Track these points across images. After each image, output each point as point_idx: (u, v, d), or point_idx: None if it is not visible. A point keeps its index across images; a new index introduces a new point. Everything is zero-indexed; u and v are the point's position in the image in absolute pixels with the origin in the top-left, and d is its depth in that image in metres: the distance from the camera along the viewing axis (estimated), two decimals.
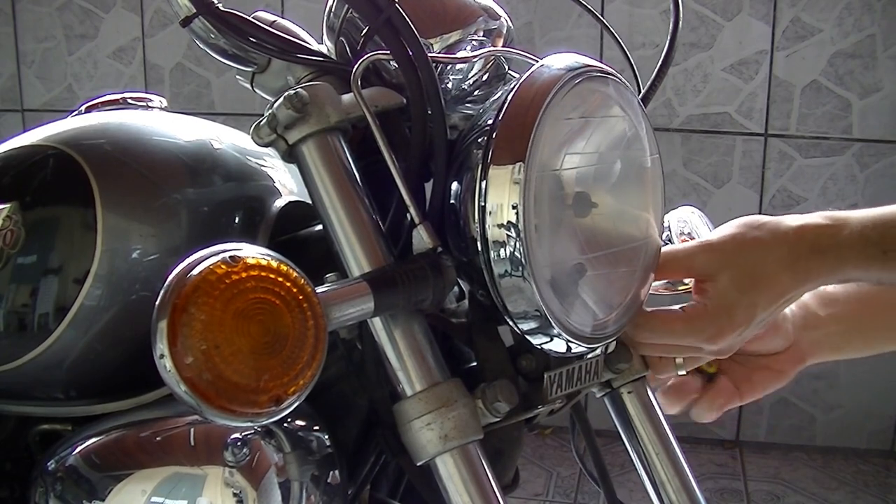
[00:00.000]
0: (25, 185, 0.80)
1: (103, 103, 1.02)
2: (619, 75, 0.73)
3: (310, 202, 0.72)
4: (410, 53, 0.70)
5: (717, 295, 0.76)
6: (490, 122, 0.69)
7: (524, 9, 2.76)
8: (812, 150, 2.76)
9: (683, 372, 0.86)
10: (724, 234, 0.79)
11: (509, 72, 0.83)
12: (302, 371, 0.58)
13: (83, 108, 1.01)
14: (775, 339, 0.87)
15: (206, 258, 0.57)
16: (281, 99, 0.69)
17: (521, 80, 0.70)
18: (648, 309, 0.79)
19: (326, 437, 0.76)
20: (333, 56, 0.79)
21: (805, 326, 0.89)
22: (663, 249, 0.79)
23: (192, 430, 0.74)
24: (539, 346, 0.72)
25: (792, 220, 0.77)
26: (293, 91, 0.69)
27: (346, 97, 0.71)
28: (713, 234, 0.80)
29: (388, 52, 0.71)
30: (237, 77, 0.79)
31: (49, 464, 0.79)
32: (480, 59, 0.80)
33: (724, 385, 0.89)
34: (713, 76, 2.76)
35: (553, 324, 0.68)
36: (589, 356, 0.79)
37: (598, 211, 0.71)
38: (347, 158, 0.71)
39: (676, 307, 0.79)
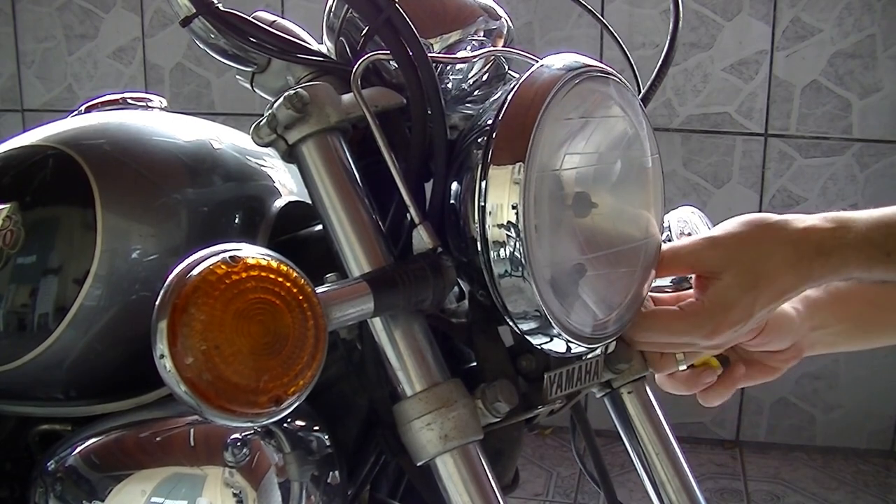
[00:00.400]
0: (25, 185, 0.80)
1: (103, 103, 1.01)
2: (619, 75, 0.73)
3: (310, 202, 0.72)
4: (410, 53, 0.70)
5: (717, 292, 0.76)
6: (490, 122, 0.69)
7: (524, 9, 2.76)
8: (812, 150, 2.76)
9: (684, 367, 0.86)
10: (728, 230, 0.79)
11: (509, 72, 0.83)
12: (302, 371, 0.58)
13: (83, 108, 1.01)
14: (785, 338, 0.87)
15: (206, 258, 0.57)
16: (281, 99, 0.69)
17: (521, 80, 0.70)
18: (646, 308, 0.79)
19: (326, 437, 0.76)
20: (333, 56, 0.79)
21: (813, 327, 0.89)
22: (666, 245, 0.79)
23: (191, 430, 0.74)
24: (539, 347, 0.72)
25: (798, 221, 0.77)
26: (293, 91, 0.69)
27: (346, 97, 0.71)
28: (717, 230, 0.80)
29: (388, 52, 0.71)
30: (237, 77, 0.79)
31: (49, 464, 0.79)
32: (480, 59, 0.80)
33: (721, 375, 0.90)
34: (713, 76, 2.76)
35: (553, 324, 0.68)
36: (589, 356, 0.79)
37: (598, 211, 0.71)
38: (347, 158, 0.71)
39: (674, 305, 0.79)
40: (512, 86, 0.70)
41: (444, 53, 0.78)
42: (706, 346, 0.80)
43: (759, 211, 2.64)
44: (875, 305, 0.89)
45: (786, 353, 0.90)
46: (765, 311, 0.77)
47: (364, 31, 0.75)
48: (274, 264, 0.58)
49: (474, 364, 0.75)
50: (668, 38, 0.91)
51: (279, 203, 0.88)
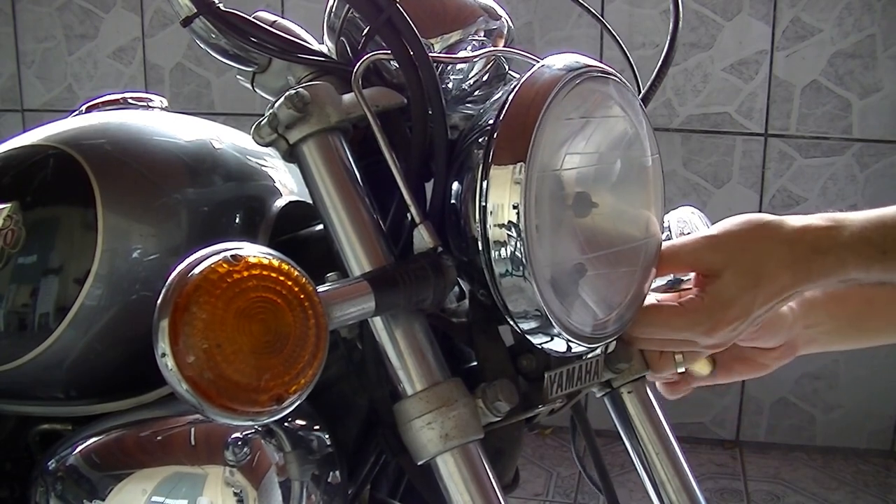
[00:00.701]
0: (26, 184, 0.80)
1: (104, 103, 1.02)
2: (619, 75, 0.74)
3: (310, 202, 0.72)
4: (411, 53, 0.71)
5: (716, 290, 0.76)
6: (491, 122, 0.69)
7: (524, 9, 2.76)
8: (812, 150, 2.76)
9: (682, 369, 0.86)
10: (727, 229, 0.79)
11: (510, 72, 0.83)
12: (303, 370, 0.58)
13: (83, 108, 1.01)
14: (776, 336, 0.88)
15: (208, 257, 0.57)
16: (282, 99, 0.69)
17: (521, 81, 0.70)
18: (646, 303, 0.79)
19: (327, 436, 0.76)
20: (334, 56, 0.79)
21: (807, 325, 0.89)
22: (666, 244, 0.79)
23: (192, 429, 0.74)
24: (539, 346, 0.72)
25: (794, 221, 0.78)
26: (294, 91, 0.69)
27: (347, 97, 0.71)
28: (716, 229, 0.80)
29: (389, 51, 0.71)
30: (238, 77, 0.79)
31: (49, 463, 0.79)
32: (481, 59, 0.80)
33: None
34: (713, 76, 2.76)
35: (553, 323, 0.68)
36: (589, 356, 0.79)
37: (599, 211, 0.72)
38: (348, 158, 0.71)
39: (674, 301, 0.79)
40: (512, 86, 0.70)
41: (445, 53, 0.78)
42: (705, 345, 0.80)
43: (760, 211, 2.64)
44: (870, 304, 0.90)
45: (778, 351, 0.90)
46: (763, 310, 0.77)
47: (365, 31, 0.75)
48: (275, 263, 0.58)
49: (475, 363, 0.75)
50: (668, 38, 0.91)
51: (280, 203, 0.88)
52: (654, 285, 0.81)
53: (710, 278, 0.77)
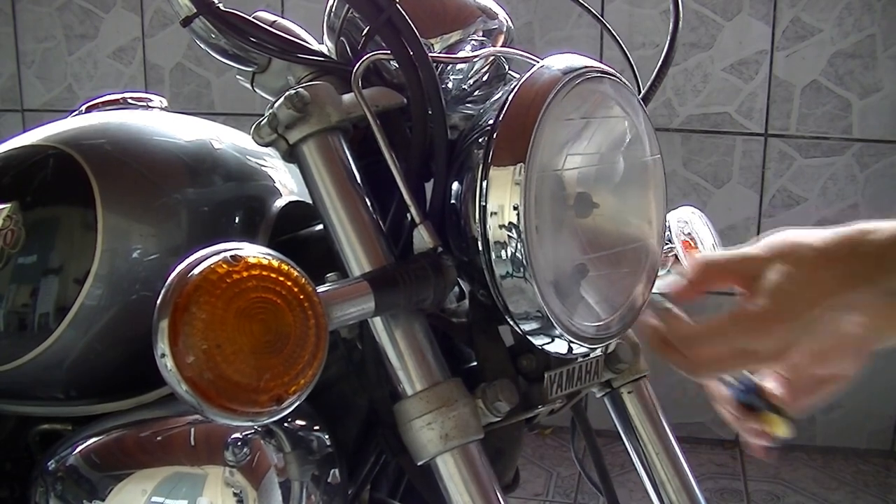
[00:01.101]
0: (26, 184, 0.80)
1: (103, 103, 1.02)
2: (619, 75, 0.73)
3: (310, 202, 0.72)
4: (411, 53, 0.70)
5: (761, 294, 0.76)
6: (490, 122, 0.69)
7: (524, 9, 2.76)
8: (812, 150, 2.76)
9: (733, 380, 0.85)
10: (765, 239, 0.79)
11: (509, 72, 0.83)
12: (303, 370, 0.58)
13: (83, 108, 1.01)
14: (849, 358, 0.87)
15: (208, 257, 0.57)
16: (282, 99, 0.69)
17: (521, 81, 0.70)
18: (694, 323, 0.78)
19: (326, 436, 0.76)
20: (334, 56, 0.79)
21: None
22: (704, 257, 0.79)
23: (192, 429, 0.74)
24: (541, 347, 0.72)
25: (829, 229, 0.78)
26: (294, 91, 0.69)
27: (347, 97, 0.71)
28: (755, 241, 0.80)
29: (389, 51, 0.71)
30: (237, 77, 0.79)
31: (49, 464, 0.79)
32: (481, 59, 0.80)
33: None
34: (713, 76, 2.76)
35: (555, 324, 0.68)
36: (589, 356, 0.79)
37: (600, 211, 0.71)
38: (348, 158, 0.71)
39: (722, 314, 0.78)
40: (512, 86, 0.70)
41: (445, 53, 0.78)
42: (766, 354, 0.77)
43: (759, 211, 2.65)
44: None
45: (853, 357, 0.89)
46: (813, 312, 0.75)
47: (365, 31, 0.75)
48: (275, 263, 0.58)
49: (475, 364, 0.75)
50: (668, 38, 0.91)
51: (279, 203, 0.88)
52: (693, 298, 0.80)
53: (753, 286, 0.77)
